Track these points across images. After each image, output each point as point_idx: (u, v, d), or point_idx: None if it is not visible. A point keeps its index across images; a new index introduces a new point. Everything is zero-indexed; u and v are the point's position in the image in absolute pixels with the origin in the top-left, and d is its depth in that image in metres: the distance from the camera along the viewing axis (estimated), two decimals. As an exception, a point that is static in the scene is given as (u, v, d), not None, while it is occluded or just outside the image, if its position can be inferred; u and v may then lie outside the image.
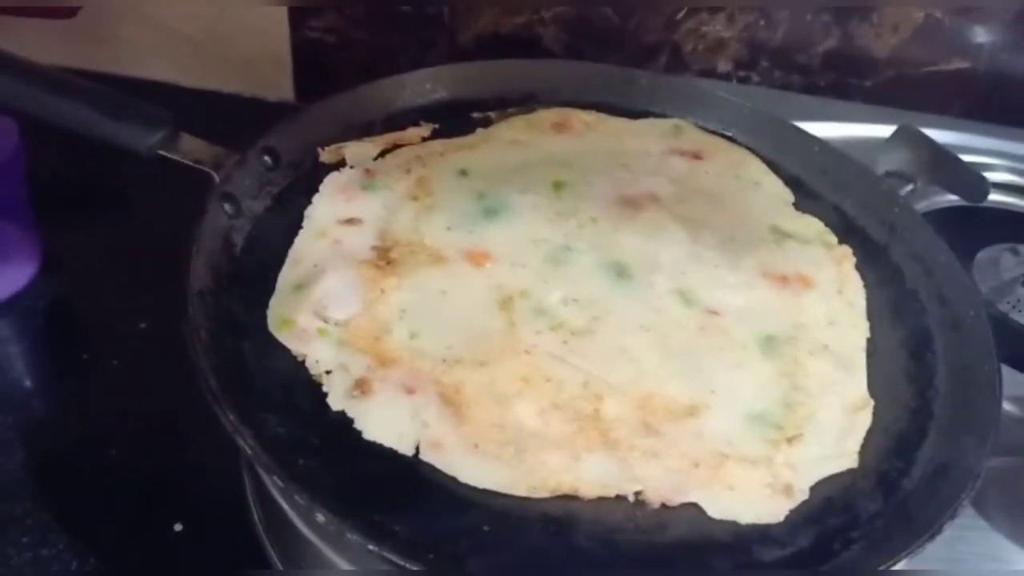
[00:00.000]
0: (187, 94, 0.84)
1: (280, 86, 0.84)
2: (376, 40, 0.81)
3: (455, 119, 0.58)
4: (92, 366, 0.61)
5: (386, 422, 0.40)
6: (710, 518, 0.39)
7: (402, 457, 0.39)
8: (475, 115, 0.59)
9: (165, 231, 0.65)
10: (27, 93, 0.50)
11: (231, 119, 0.80)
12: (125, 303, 0.65)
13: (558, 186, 0.53)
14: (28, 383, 0.62)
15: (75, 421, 0.58)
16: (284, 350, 0.43)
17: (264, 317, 0.44)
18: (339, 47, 0.82)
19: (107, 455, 0.56)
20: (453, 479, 0.38)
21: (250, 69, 0.83)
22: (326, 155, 0.54)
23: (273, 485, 0.42)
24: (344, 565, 0.41)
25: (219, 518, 0.52)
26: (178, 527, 0.52)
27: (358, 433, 0.40)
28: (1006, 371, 0.52)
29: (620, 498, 0.39)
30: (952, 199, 0.66)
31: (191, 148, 0.49)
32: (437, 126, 0.57)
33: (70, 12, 0.75)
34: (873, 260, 0.52)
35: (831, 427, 0.42)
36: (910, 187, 0.62)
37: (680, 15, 0.76)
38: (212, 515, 0.53)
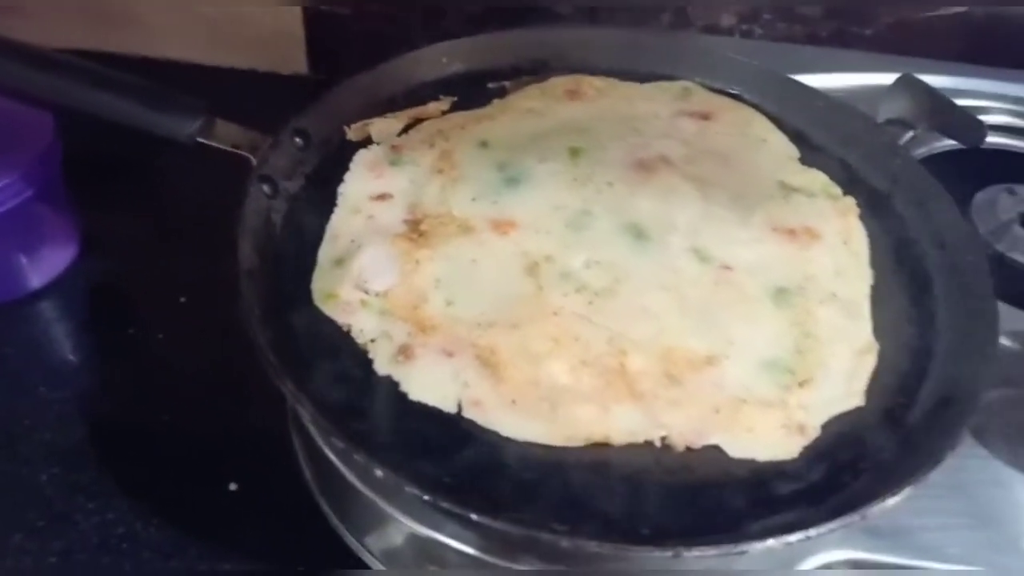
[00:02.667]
0: (204, 71, 0.86)
1: (294, 60, 0.86)
2: (387, 11, 0.83)
3: (472, 90, 0.60)
4: (139, 340, 0.65)
5: (429, 383, 0.43)
6: (730, 458, 0.42)
7: (446, 415, 0.43)
8: (491, 85, 0.61)
9: (196, 208, 0.69)
10: (69, 89, 0.52)
11: (248, 94, 0.83)
12: (163, 279, 0.68)
13: (574, 152, 0.55)
14: (79, 359, 0.65)
15: (128, 392, 0.62)
16: (330, 321, 0.46)
17: (309, 292, 0.47)
18: (351, 19, 0.84)
19: (161, 422, 0.59)
20: (495, 433, 0.42)
21: (264, 45, 0.85)
22: (352, 133, 0.56)
23: (329, 446, 0.46)
24: (396, 514, 0.45)
25: (271, 476, 0.55)
26: (233, 487, 0.56)
27: (404, 395, 0.43)
28: (1004, 307, 0.55)
29: (648, 444, 0.42)
30: (951, 143, 0.68)
31: (227, 133, 0.52)
32: (456, 98, 0.60)
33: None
34: (877, 210, 0.55)
35: (839, 370, 0.46)
36: (910, 134, 0.64)
37: (682, -27, 0.78)
38: (264, 474, 0.56)
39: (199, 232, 0.58)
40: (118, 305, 0.68)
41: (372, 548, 0.49)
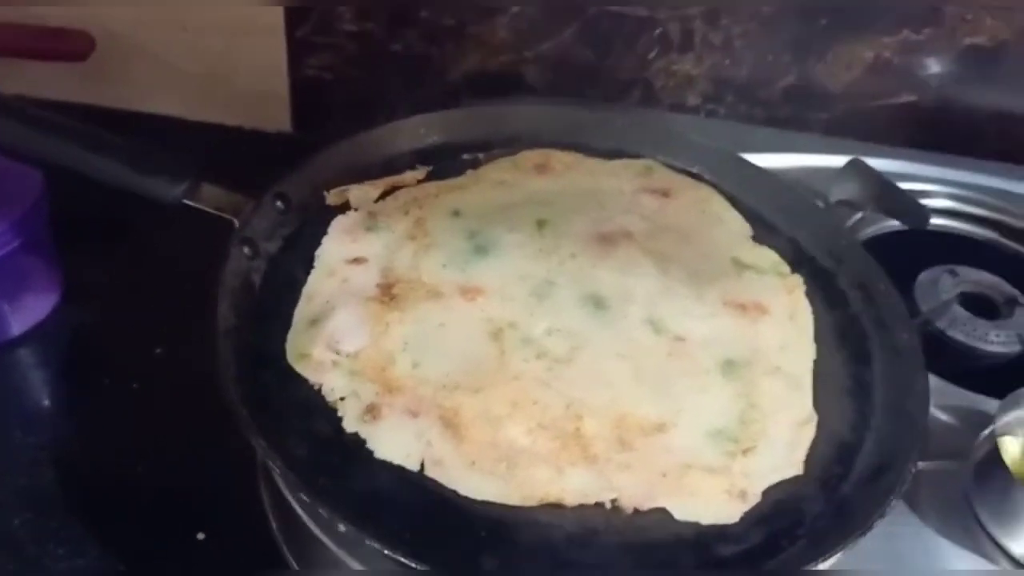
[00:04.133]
0: (192, 127, 0.89)
1: (278, 119, 0.90)
2: (369, 77, 0.87)
3: (447, 161, 0.63)
4: (113, 389, 0.66)
5: (394, 442, 0.46)
6: (676, 520, 0.45)
7: (409, 472, 0.45)
8: (465, 157, 0.64)
9: (176, 263, 0.72)
10: (59, 148, 0.54)
11: (234, 150, 0.86)
12: (141, 331, 0.70)
13: (541, 224, 0.59)
14: (55, 406, 0.67)
15: (101, 440, 0.63)
16: (302, 380, 0.48)
17: (283, 350, 0.50)
18: (334, 84, 0.87)
19: (132, 471, 0.61)
20: (454, 492, 0.44)
21: (250, 104, 0.89)
22: (331, 198, 0.59)
23: (296, 499, 0.48)
24: (356, 565, 0.47)
25: (238, 526, 0.57)
26: (200, 536, 0.57)
27: (370, 452, 0.45)
28: (941, 383, 0.59)
29: (598, 505, 0.45)
30: (898, 224, 0.72)
31: (212, 196, 0.55)
32: (431, 168, 0.63)
33: (84, 55, 0.80)
34: (822, 287, 0.58)
35: (781, 440, 0.48)
36: (859, 215, 0.69)
37: (652, 55, 0.83)
38: (232, 524, 0.57)
39: (177, 286, 0.61)
40: (95, 354, 0.69)
41: (333, 599, 0.51)
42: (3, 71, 0.81)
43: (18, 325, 0.69)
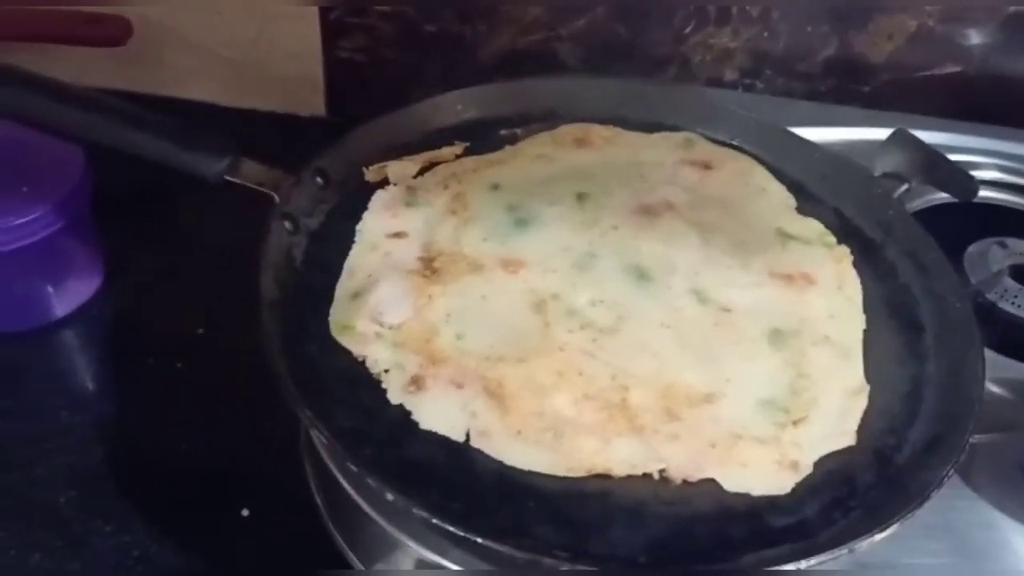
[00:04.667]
0: (227, 113, 0.90)
1: (313, 103, 0.90)
2: (402, 59, 0.86)
3: (485, 136, 0.63)
4: (158, 369, 0.67)
5: (439, 413, 0.45)
6: (726, 491, 0.44)
7: (455, 443, 0.44)
8: (503, 132, 0.63)
9: (216, 243, 0.72)
10: (101, 126, 0.55)
11: (268, 136, 0.87)
12: (183, 310, 0.70)
13: (581, 197, 0.58)
14: (100, 386, 0.67)
15: (146, 419, 0.64)
16: (346, 352, 0.48)
17: (326, 323, 0.50)
18: (368, 66, 0.87)
19: (177, 449, 0.61)
20: (500, 462, 0.44)
21: (285, 88, 0.89)
22: (370, 174, 0.59)
23: (341, 471, 0.48)
24: (404, 539, 0.47)
25: (283, 503, 0.57)
26: (245, 512, 0.58)
27: (415, 424, 0.45)
28: (993, 355, 0.58)
29: (646, 476, 0.44)
30: (945, 197, 0.70)
31: (253, 172, 0.54)
32: (469, 144, 0.62)
33: (121, 40, 0.80)
34: (870, 258, 0.57)
35: (832, 409, 0.47)
36: (905, 187, 0.67)
37: (688, 29, 0.82)
38: (276, 500, 0.58)
39: (219, 266, 0.61)
40: (139, 335, 0.70)
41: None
42: (41, 57, 0.81)
43: (62, 307, 0.70)
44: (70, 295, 0.71)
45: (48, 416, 0.63)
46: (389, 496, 0.40)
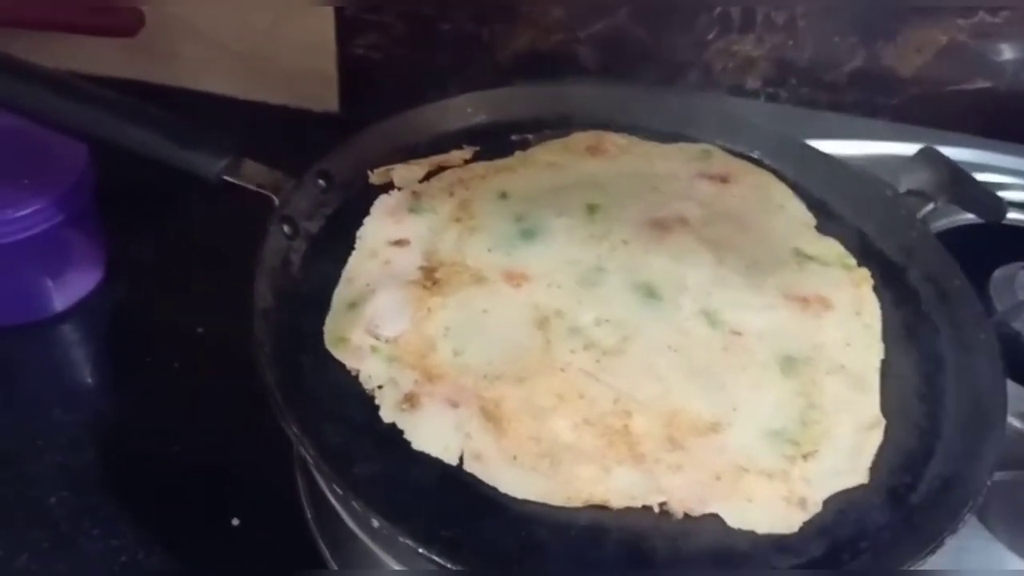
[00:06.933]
0: (239, 106, 0.88)
1: (325, 99, 0.88)
2: (417, 57, 0.85)
3: (495, 141, 0.61)
4: (155, 368, 0.66)
5: (433, 434, 0.44)
6: (729, 528, 0.42)
7: (447, 467, 0.43)
8: (514, 137, 0.62)
9: (220, 241, 0.71)
10: (101, 121, 0.53)
11: (279, 130, 0.85)
12: (183, 309, 0.69)
13: (592, 209, 0.56)
14: (96, 384, 0.67)
15: (141, 419, 0.63)
16: (339, 365, 0.47)
17: (320, 334, 0.48)
18: (382, 63, 0.86)
19: (170, 452, 0.60)
20: (494, 489, 0.42)
21: (297, 83, 0.87)
22: (375, 177, 0.57)
23: (330, 488, 0.46)
24: (391, 562, 0.45)
25: (274, 513, 0.55)
26: (235, 522, 0.56)
27: (407, 443, 0.43)
28: (1017, 388, 0.55)
29: (646, 508, 0.42)
30: (971, 218, 0.68)
31: (253, 173, 0.53)
32: (478, 148, 0.60)
33: (133, 31, 0.79)
34: (891, 282, 0.55)
35: (845, 444, 0.45)
36: (930, 206, 0.64)
37: (711, 35, 0.79)
38: (267, 510, 0.56)
39: (222, 264, 0.59)
40: (137, 332, 0.69)
41: (367, 593, 0.49)
42: (54, 47, 0.80)
43: (61, 301, 0.69)
44: (70, 289, 0.70)
45: (41, 413, 0.62)
46: (374, 522, 0.38)
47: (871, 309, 0.52)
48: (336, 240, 0.53)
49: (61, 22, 0.81)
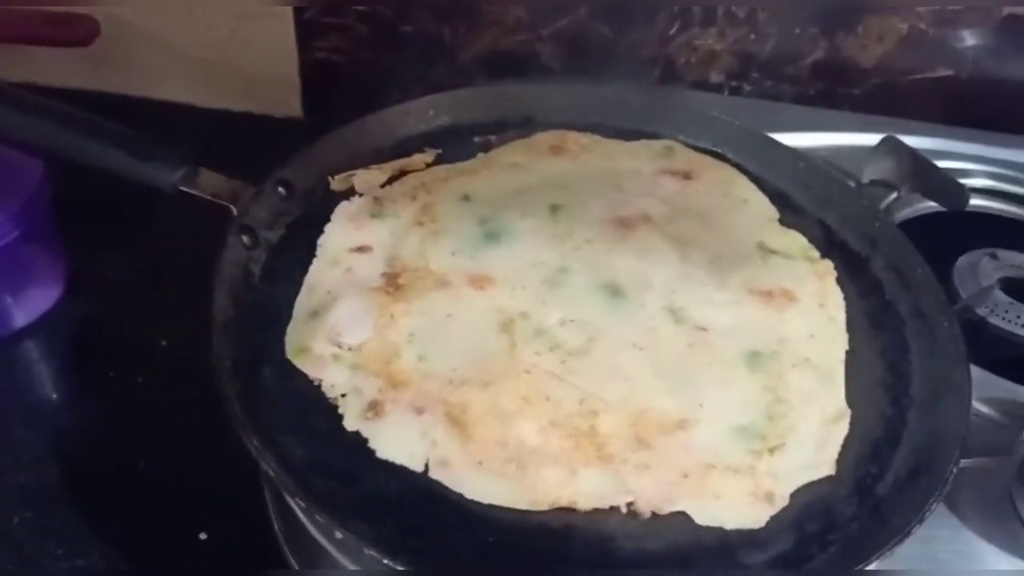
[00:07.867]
0: (200, 113, 0.87)
1: (288, 104, 0.87)
2: (380, 60, 0.84)
3: (457, 144, 0.61)
4: (118, 383, 0.64)
5: (398, 441, 0.43)
6: (697, 525, 0.42)
7: (413, 474, 0.42)
8: (476, 139, 0.61)
9: (181, 253, 0.70)
10: (54, 135, 0.53)
11: (242, 137, 0.84)
12: (146, 322, 0.68)
13: (555, 209, 0.56)
14: (58, 400, 0.65)
15: (104, 435, 0.61)
16: (301, 375, 0.46)
17: (282, 344, 0.47)
18: (345, 67, 0.85)
19: (135, 467, 0.59)
20: (460, 495, 0.42)
21: (259, 89, 0.86)
22: (336, 183, 0.57)
23: (294, 502, 0.45)
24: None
25: (241, 528, 0.55)
26: (203, 536, 0.55)
27: (372, 452, 0.43)
28: (983, 374, 0.56)
29: (614, 509, 0.42)
30: (934, 206, 0.68)
31: (210, 183, 0.52)
32: (440, 151, 0.60)
33: (88, 40, 0.78)
34: (854, 273, 0.55)
35: (811, 437, 0.45)
36: (894, 196, 0.65)
37: (673, 30, 0.79)
38: (235, 524, 0.55)
39: (184, 276, 0.58)
40: (100, 347, 0.68)
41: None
42: (7, 58, 0.79)
43: (22, 317, 0.68)
44: (30, 305, 0.68)
45: (3, 432, 0.61)
46: (338, 534, 0.38)
47: (835, 300, 0.53)
48: (297, 249, 0.53)
49: (14, 33, 0.79)
